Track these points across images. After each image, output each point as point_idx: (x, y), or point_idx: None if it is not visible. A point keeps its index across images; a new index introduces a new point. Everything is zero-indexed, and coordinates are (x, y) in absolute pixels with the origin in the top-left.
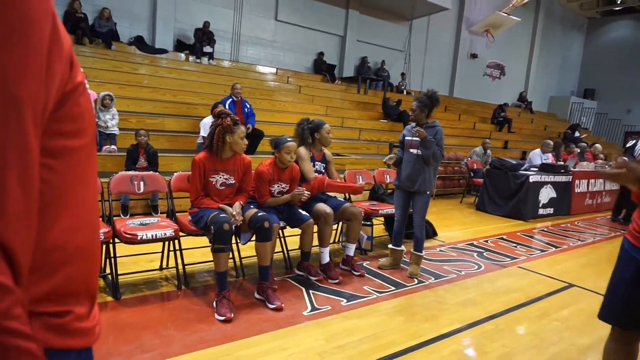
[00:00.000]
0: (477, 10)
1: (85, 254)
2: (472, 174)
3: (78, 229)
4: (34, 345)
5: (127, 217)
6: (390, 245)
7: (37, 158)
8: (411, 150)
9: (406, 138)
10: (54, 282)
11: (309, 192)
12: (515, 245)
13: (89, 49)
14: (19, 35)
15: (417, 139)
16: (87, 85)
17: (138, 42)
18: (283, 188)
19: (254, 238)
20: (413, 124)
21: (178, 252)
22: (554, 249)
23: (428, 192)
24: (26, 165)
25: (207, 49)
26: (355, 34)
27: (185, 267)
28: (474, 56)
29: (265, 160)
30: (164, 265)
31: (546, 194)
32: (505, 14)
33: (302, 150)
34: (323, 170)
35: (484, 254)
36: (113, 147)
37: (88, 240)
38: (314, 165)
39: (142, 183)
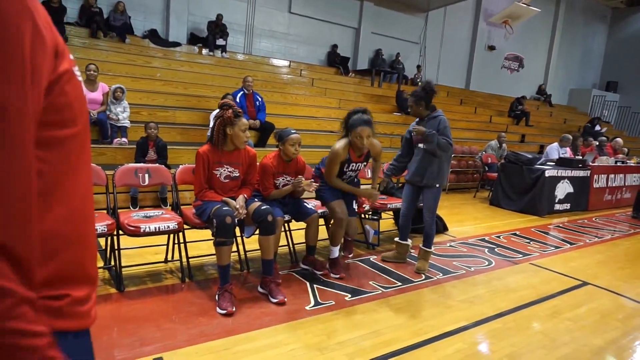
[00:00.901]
0: (495, 0)
1: (80, 241)
2: (486, 168)
3: (71, 217)
4: (41, 341)
5: (136, 209)
6: (396, 239)
7: (31, 158)
8: (419, 145)
9: (413, 134)
10: (50, 269)
11: (317, 184)
12: (528, 241)
13: (104, 42)
14: None
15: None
16: (78, 73)
17: (152, 35)
18: (288, 181)
19: (258, 231)
20: (417, 119)
21: (182, 245)
22: (568, 245)
23: (437, 185)
24: (21, 166)
25: (220, 41)
26: (369, 26)
27: (190, 260)
28: (491, 48)
29: (269, 153)
30: (169, 258)
31: (563, 189)
32: (525, 5)
33: (338, 146)
34: (357, 170)
35: (496, 249)
36: (124, 139)
37: (82, 227)
38: (348, 167)
39: (147, 175)
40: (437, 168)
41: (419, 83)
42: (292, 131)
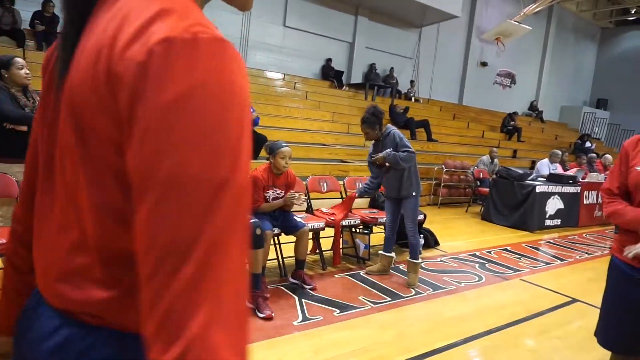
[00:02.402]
0: (487, 18)
1: None
2: (478, 183)
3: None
4: None
5: None
6: (380, 251)
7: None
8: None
9: (373, 157)
10: None
11: (301, 195)
12: (519, 257)
13: None
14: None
15: (386, 151)
16: None
17: None
18: (278, 194)
19: None
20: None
21: None
22: (559, 261)
23: (414, 194)
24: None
25: None
26: (364, 41)
27: None
28: (484, 64)
29: (260, 165)
30: None
31: (553, 204)
32: (517, 23)
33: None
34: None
35: (486, 265)
36: None
37: None
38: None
39: None
40: (408, 179)
41: (412, 97)
42: (283, 144)
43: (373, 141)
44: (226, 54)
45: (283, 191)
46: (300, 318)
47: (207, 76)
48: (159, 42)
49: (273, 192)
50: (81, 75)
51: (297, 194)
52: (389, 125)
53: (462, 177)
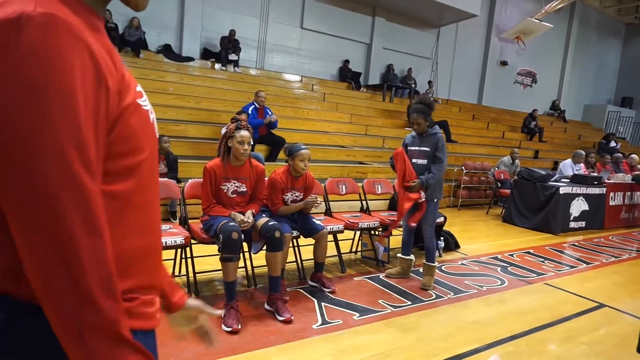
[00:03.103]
0: (507, 16)
1: (150, 252)
2: (499, 185)
3: (145, 232)
4: None
5: None
6: (399, 255)
7: (96, 194)
8: (414, 160)
9: (409, 148)
10: (127, 276)
11: (321, 200)
12: (542, 260)
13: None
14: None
15: (423, 148)
16: (144, 103)
17: (166, 50)
18: (297, 196)
19: (265, 247)
20: (413, 133)
21: (189, 260)
22: (584, 265)
23: (435, 200)
24: (86, 203)
25: (233, 56)
26: (381, 42)
27: (197, 275)
28: (503, 63)
29: (278, 168)
30: (176, 273)
31: (578, 206)
32: (537, 20)
33: None
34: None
35: (509, 268)
36: None
37: (152, 240)
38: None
39: None
40: (432, 185)
41: (431, 98)
42: (302, 146)
43: (415, 133)
44: (51, 26)
45: (302, 194)
46: (320, 321)
47: (26, 50)
48: None
49: (292, 195)
50: None
51: (317, 197)
52: (437, 126)
53: (482, 178)
